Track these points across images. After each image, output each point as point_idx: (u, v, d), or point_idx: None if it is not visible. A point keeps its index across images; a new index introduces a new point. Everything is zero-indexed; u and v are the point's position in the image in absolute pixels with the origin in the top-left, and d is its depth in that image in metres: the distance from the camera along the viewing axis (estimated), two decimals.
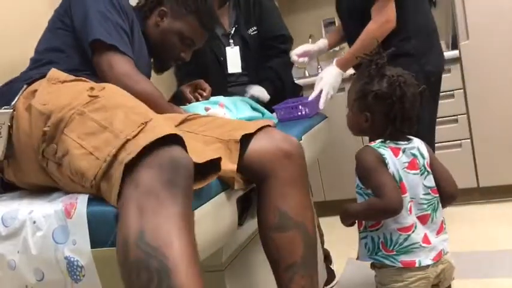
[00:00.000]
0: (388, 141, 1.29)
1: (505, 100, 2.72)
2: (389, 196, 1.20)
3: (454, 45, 2.89)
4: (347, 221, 1.35)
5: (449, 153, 2.81)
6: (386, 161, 1.25)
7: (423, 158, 1.30)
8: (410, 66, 1.70)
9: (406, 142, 1.30)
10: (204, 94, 1.83)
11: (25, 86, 1.18)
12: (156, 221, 0.83)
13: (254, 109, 1.88)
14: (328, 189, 3.17)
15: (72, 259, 0.95)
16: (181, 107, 1.59)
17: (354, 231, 1.41)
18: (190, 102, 1.80)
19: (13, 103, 1.14)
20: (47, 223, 0.97)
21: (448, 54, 2.77)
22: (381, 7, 1.85)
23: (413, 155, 1.29)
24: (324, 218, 2.46)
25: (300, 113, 1.96)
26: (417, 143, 1.32)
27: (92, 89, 1.09)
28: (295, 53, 2.14)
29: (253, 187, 1.28)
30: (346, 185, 3.10)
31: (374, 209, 1.25)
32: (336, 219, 1.43)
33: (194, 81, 1.89)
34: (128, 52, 1.35)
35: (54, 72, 1.19)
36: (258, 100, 2.05)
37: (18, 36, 1.52)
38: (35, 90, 1.14)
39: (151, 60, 1.65)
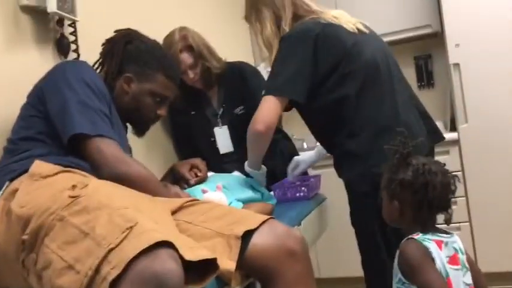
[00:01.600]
0: (430, 233, 1.25)
1: (504, 184, 2.70)
2: None
3: (453, 127, 2.91)
4: None
5: None
6: (433, 255, 1.21)
7: (462, 253, 1.28)
8: (354, 168, 1.62)
9: (447, 235, 1.27)
10: (199, 174, 1.79)
11: (7, 183, 1.14)
12: None
13: (253, 188, 1.85)
14: (323, 266, 3.08)
15: None
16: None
17: None
18: (188, 183, 1.76)
19: None
20: None
21: (446, 136, 2.77)
22: (260, 103, 1.62)
23: (455, 249, 1.26)
24: None
25: (299, 194, 1.93)
26: (457, 238, 1.30)
27: (73, 187, 1.05)
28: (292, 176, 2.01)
29: (250, 282, 1.23)
30: (342, 262, 3.02)
31: None
32: None
33: (191, 160, 1.85)
34: (114, 136, 1.31)
35: (37, 167, 1.14)
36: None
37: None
38: (16, 190, 1.09)
39: (127, 126, 1.61)
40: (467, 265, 1.27)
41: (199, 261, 0.94)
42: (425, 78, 3.33)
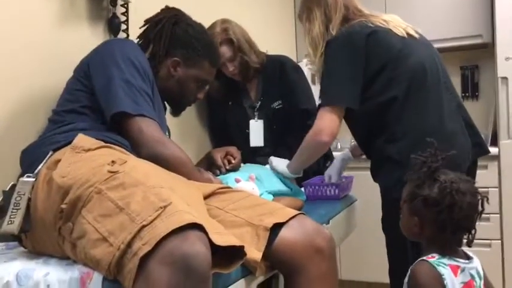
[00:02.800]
0: (447, 257, 1.20)
1: None
2: None
3: (494, 142, 2.83)
4: None
5: (477, 251, 2.64)
6: (445, 282, 1.16)
7: (480, 278, 1.22)
8: (392, 173, 1.57)
9: (466, 261, 1.22)
10: (233, 161, 1.82)
11: (51, 153, 1.18)
12: None
13: (284, 183, 1.85)
14: (345, 268, 3.06)
15: None
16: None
17: None
18: (220, 169, 1.78)
19: (36, 171, 1.14)
20: None
21: None
22: (318, 113, 1.65)
23: (472, 275, 1.21)
24: None
25: (329, 193, 1.92)
26: (476, 263, 1.24)
27: (113, 162, 1.08)
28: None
29: (274, 273, 1.24)
30: (365, 267, 3.00)
31: None
32: None
33: (227, 147, 1.88)
34: (154, 116, 1.34)
35: (80, 140, 1.18)
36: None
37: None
38: (58, 160, 1.13)
39: (166, 106, 1.64)
40: None
41: (226, 247, 0.96)
42: (470, 89, 3.25)
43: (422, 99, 1.61)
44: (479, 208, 1.22)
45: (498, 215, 2.72)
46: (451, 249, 1.22)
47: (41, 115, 1.41)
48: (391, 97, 1.60)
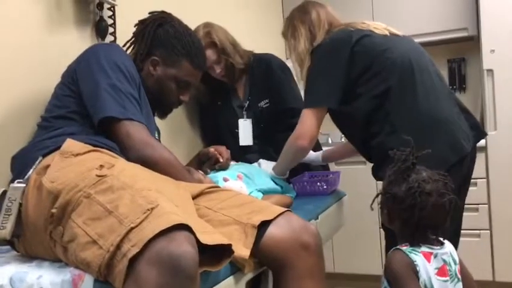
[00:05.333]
0: (420, 244, 1.25)
1: None
2: None
3: None
4: None
5: (467, 242, 2.72)
6: (418, 269, 1.20)
7: (455, 264, 1.27)
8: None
9: (438, 247, 1.26)
10: (220, 160, 1.85)
11: (40, 158, 1.19)
12: None
13: (274, 181, 1.88)
14: (338, 261, 3.11)
15: None
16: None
17: None
18: (216, 161, 1.84)
19: (26, 177, 1.15)
20: None
21: None
22: (300, 118, 1.71)
23: (444, 261, 1.25)
24: None
25: (318, 189, 1.95)
26: (449, 248, 1.29)
27: (101, 166, 1.10)
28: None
29: (263, 269, 1.27)
30: (357, 260, 3.05)
31: None
32: None
33: (216, 146, 1.91)
34: (142, 119, 1.35)
35: (68, 145, 1.20)
36: None
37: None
38: (48, 166, 1.15)
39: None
40: (459, 275, 1.26)
41: (215, 246, 0.98)
42: (458, 81, 3.29)
43: (415, 87, 1.62)
44: (447, 208, 1.24)
45: (486, 205, 2.76)
46: (419, 240, 1.26)
47: (30, 120, 1.43)
48: (385, 88, 1.62)
